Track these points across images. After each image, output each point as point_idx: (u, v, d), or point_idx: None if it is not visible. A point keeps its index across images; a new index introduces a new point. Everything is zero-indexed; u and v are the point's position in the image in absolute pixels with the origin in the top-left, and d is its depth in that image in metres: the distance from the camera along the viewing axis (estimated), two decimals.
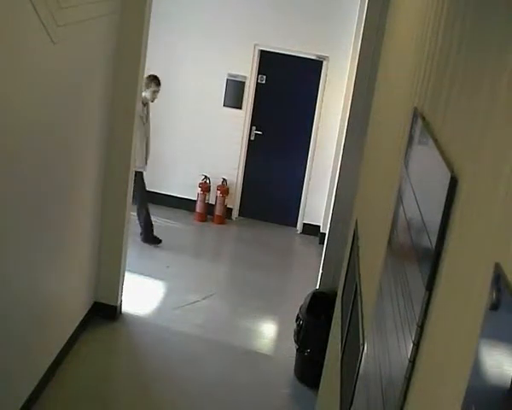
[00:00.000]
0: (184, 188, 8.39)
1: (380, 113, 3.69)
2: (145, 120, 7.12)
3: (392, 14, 4.08)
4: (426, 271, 1.32)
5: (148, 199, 7.35)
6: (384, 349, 1.71)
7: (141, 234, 7.26)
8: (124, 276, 5.63)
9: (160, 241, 7.29)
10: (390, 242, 1.98)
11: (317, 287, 5.69)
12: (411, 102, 2.08)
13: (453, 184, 1.23)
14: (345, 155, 5.46)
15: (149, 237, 7.27)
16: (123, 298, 5.68)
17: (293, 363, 5.22)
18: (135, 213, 7.02)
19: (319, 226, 8.27)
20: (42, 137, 3.76)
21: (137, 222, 7.23)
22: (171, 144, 8.34)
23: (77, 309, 5.12)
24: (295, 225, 8.55)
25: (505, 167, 0.94)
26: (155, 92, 7.12)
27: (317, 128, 8.17)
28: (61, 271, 4.52)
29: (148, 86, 7.04)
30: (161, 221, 8.04)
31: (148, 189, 8.24)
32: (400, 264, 1.71)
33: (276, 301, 6.61)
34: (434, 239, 1.28)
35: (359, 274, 2.95)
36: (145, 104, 7.09)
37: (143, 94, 7.02)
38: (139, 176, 7.12)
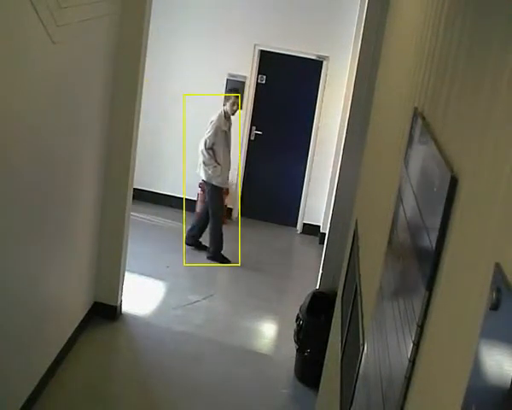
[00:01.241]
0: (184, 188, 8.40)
1: (380, 113, 3.69)
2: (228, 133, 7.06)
3: (392, 14, 4.08)
4: (426, 271, 1.32)
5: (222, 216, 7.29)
6: (384, 349, 1.71)
7: (208, 250, 7.19)
8: (124, 276, 5.63)
9: (229, 261, 7.19)
10: (390, 242, 1.98)
11: (317, 287, 5.69)
12: (411, 102, 2.08)
13: (453, 184, 1.22)
14: (345, 155, 5.46)
15: (219, 255, 7.17)
16: (123, 298, 5.68)
17: (293, 363, 5.22)
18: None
19: (319, 226, 8.27)
20: (41, 136, 3.76)
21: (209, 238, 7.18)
22: (171, 144, 8.34)
23: (77, 309, 5.12)
24: (295, 225, 8.55)
25: (505, 167, 0.94)
26: (235, 104, 6.97)
27: (317, 128, 8.17)
28: (60, 271, 4.52)
29: (228, 99, 6.94)
30: (161, 221, 8.05)
31: (147, 189, 8.28)
32: (400, 264, 1.71)
33: (276, 301, 6.61)
34: (434, 239, 1.28)
35: (359, 274, 2.95)
36: (228, 118, 7.02)
37: (224, 107, 6.97)
38: (219, 191, 7.07)
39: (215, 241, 7.17)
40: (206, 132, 6.91)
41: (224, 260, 7.19)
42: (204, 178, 7.06)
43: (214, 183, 6.99)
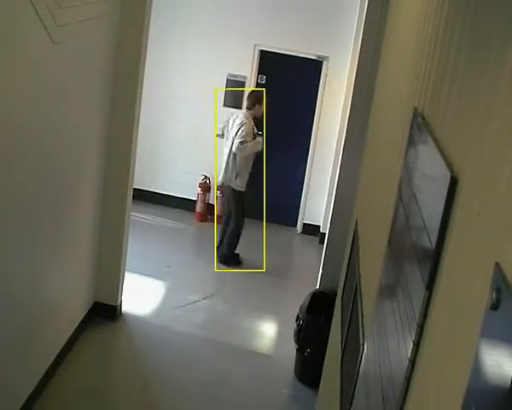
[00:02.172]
0: (184, 188, 8.39)
1: (380, 113, 3.69)
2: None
3: (392, 14, 4.08)
4: (426, 271, 1.32)
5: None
6: (384, 349, 1.71)
7: (221, 251, 7.13)
8: (124, 276, 5.63)
9: (240, 263, 7.17)
10: (390, 242, 1.98)
11: (317, 287, 5.69)
12: (411, 102, 2.08)
13: (453, 184, 1.22)
14: (345, 155, 5.46)
15: (231, 259, 7.11)
16: (123, 298, 5.68)
17: (293, 363, 5.22)
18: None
19: (319, 226, 8.27)
20: (41, 137, 3.76)
21: (223, 239, 7.13)
22: (172, 144, 8.34)
23: (77, 309, 5.12)
24: (295, 225, 8.55)
25: (505, 167, 0.94)
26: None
27: (317, 128, 8.17)
28: (61, 271, 4.52)
29: (261, 102, 6.87)
30: (161, 221, 8.04)
31: (147, 189, 8.27)
32: (400, 264, 1.71)
33: (276, 301, 6.61)
34: (434, 239, 1.28)
35: (359, 274, 2.95)
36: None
37: (249, 111, 6.84)
38: (241, 196, 6.96)
39: (231, 245, 7.10)
40: (239, 134, 6.70)
41: (235, 265, 7.13)
42: (229, 184, 6.91)
43: (234, 186, 6.88)
